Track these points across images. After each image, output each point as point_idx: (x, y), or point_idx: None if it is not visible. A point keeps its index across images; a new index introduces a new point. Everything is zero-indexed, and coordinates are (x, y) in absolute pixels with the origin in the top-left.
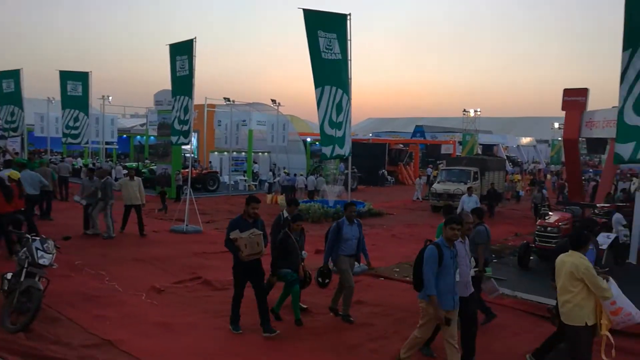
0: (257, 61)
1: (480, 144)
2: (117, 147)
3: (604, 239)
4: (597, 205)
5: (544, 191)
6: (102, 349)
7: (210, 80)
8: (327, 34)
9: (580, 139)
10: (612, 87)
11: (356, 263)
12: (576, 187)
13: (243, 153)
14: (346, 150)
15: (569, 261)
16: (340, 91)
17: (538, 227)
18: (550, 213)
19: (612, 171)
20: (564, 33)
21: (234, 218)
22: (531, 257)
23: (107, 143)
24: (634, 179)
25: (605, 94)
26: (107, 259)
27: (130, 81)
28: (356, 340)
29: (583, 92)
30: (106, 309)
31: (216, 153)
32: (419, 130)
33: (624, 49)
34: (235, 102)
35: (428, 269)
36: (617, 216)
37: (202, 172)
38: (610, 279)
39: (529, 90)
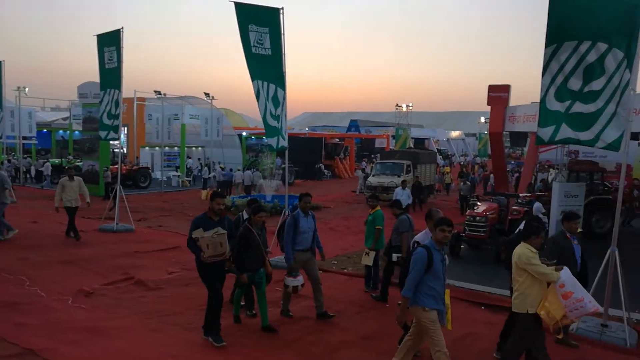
0: (190, 53)
1: (412, 138)
2: (36, 142)
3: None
4: (520, 195)
5: (470, 183)
6: (23, 359)
7: (140, 72)
8: (258, 28)
9: (504, 132)
10: (530, 84)
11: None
12: (502, 179)
13: (176, 148)
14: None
15: (517, 252)
16: (273, 85)
17: (467, 217)
18: (478, 203)
19: (532, 163)
20: (489, 32)
21: (198, 216)
22: (462, 246)
23: (24, 138)
24: (551, 169)
25: (523, 92)
26: (28, 262)
27: (49, 72)
28: (295, 335)
29: (505, 89)
30: (27, 316)
31: (147, 148)
32: (354, 125)
33: (547, 45)
34: (167, 96)
35: (415, 272)
36: (537, 205)
37: (133, 168)
38: (565, 267)
39: (458, 85)
